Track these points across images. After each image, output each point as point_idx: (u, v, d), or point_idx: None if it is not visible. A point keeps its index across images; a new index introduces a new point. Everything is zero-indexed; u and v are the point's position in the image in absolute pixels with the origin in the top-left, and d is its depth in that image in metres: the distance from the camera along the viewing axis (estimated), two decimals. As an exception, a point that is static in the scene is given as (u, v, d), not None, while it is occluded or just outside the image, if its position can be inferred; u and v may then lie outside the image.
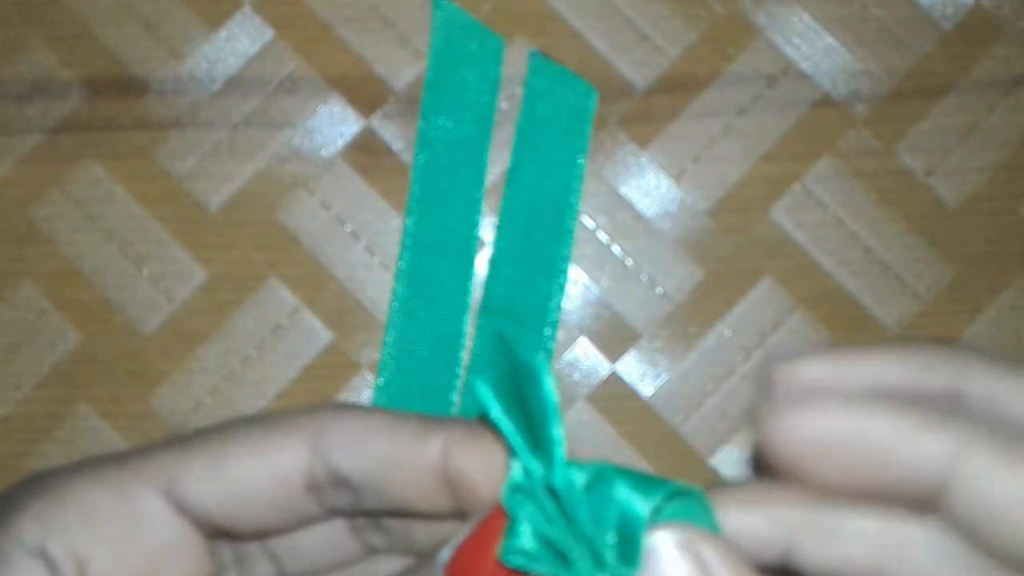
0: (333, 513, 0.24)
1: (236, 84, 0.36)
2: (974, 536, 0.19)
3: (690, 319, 0.35)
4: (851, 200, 0.36)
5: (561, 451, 0.19)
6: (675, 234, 0.36)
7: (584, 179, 0.36)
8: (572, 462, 0.20)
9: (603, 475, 0.20)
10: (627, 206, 0.36)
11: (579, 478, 0.20)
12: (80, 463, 0.22)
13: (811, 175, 0.36)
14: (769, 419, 0.20)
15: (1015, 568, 0.19)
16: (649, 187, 0.36)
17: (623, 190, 0.36)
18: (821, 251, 0.36)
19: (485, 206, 0.36)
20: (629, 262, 0.36)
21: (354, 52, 0.36)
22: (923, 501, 0.19)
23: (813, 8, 0.36)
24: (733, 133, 0.36)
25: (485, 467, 0.22)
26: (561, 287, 0.35)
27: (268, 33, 0.36)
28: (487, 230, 0.36)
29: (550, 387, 0.20)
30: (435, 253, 0.35)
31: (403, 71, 0.36)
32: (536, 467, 0.20)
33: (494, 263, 0.35)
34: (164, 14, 0.36)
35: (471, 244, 0.35)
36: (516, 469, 0.21)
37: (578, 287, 0.35)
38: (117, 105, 0.36)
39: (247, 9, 0.36)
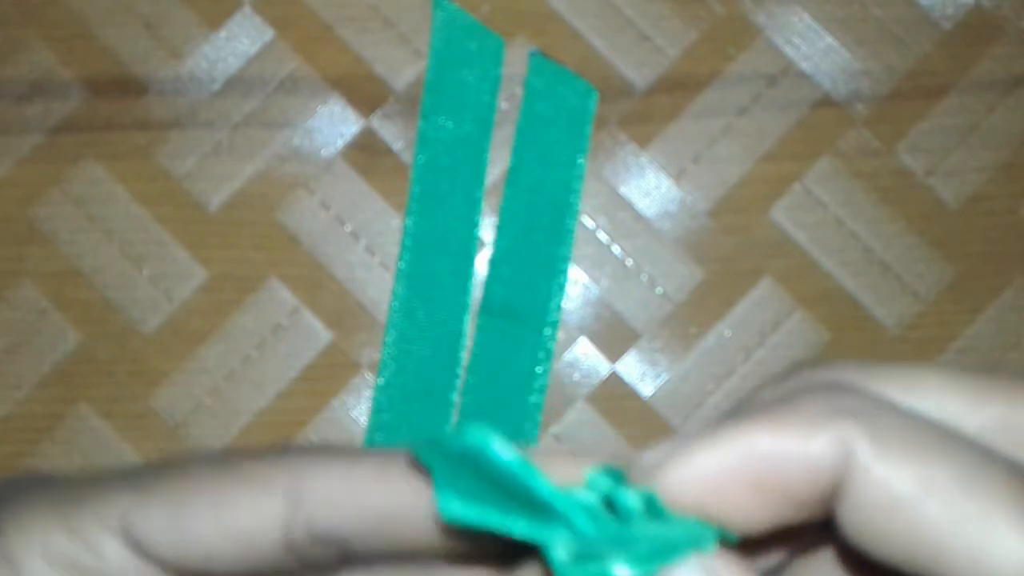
0: (314, 566, 0.22)
1: (236, 84, 0.36)
2: (863, 539, 0.18)
3: (690, 319, 0.35)
4: (851, 200, 0.36)
5: (564, 501, 0.18)
6: (675, 234, 0.36)
7: (584, 179, 0.36)
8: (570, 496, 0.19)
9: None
10: (627, 206, 0.36)
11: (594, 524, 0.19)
12: (40, 486, 0.21)
13: (811, 175, 0.36)
14: (653, 474, 0.19)
15: (910, 569, 0.18)
16: (649, 187, 0.36)
17: (623, 190, 0.36)
18: (821, 251, 0.36)
19: (485, 206, 0.36)
20: (629, 262, 0.36)
21: (354, 52, 0.36)
22: (825, 510, 0.18)
23: (813, 8, 0.36)
24: (733, 133, 0.36)
25: None
26: (561, 287, 0.35)
27: (268, 33, 0.36)
28: (487, 230, 0.36)
29: (500, 452, 0.19)
30: (435, 253, 0.35)
31: (403, 71, 0.36)
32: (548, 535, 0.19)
33: (494, 263, 0.35)
34: (164, 14, 0.36)
35: (471, 244, 0.35)
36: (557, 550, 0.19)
37: (578, 287, 0.35)
38: (117, 105, 0.36)
39: (247, 9, 0.36)
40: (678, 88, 0.36)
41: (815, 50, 0.36)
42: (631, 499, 0.19)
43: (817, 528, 0.20)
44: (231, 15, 0.36)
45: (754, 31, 0.36)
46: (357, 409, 0.35)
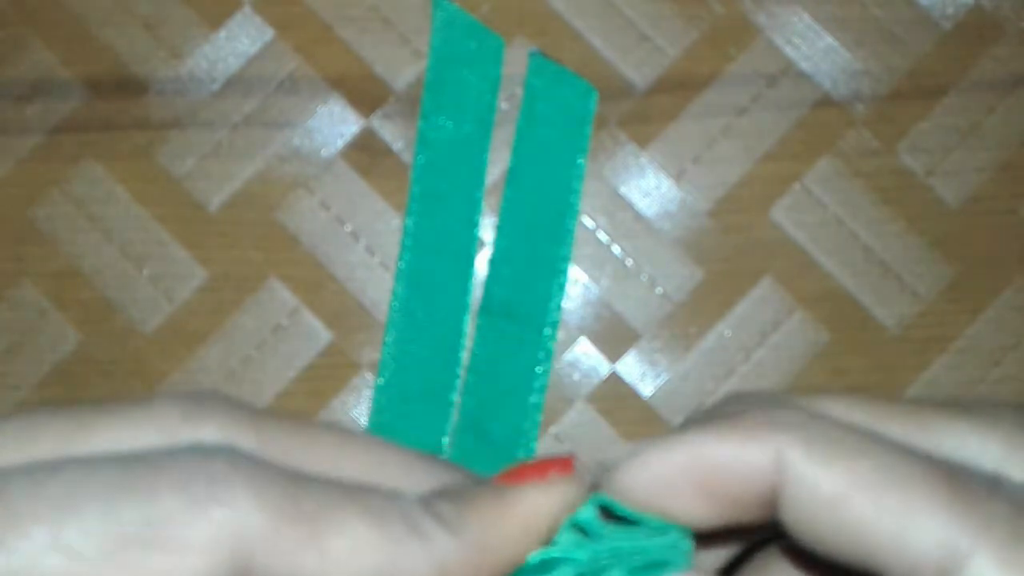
0: None
1: (236, 84, 0.36)
2: (806, 538, 0.20)
3: (690, 319, 0.35)
4: (851, 200, 0.36)
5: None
6: (675, 234, 0.36)
7: (584, 179, 0.36)
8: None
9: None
10: (627, 206, 0.36)
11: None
12: None
13: (811, 175, 0.36)
14: (610, 473, 0.21)
15: (852, 565, 0.20)
16: (649, 187, 0.36)
17: (623, 190, 0.36)
18: (821, 251, 0.36)
19: (485, 206, 0.36)
20: (629, 262, 0.36)
21: (354, 52, 0.36)
22: (768, 514, 0.20)
23: (813, 8, 0.36)
24: (733, 133, 0.36)
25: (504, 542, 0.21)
26: (561, 287, 0.35)
27: (268, 33, 0.36)
28: (487, 230, 0.36)
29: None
30: (435, 253, 0.35)
31: (403, 71, 0.36)
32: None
33: (494, 263, 0.35)
34: (164, 14, 0.36)
35: (471, 244, 0.35)
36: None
37: (578, 287, 0.35)
38: (117, 105, 0.36)
39: (247, 9, 0.36)
40: (678, 88, 0.36)
41: (815, 50, 0.36)
42: (587, 512, 0.21)
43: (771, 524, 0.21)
44: (231, 15, 0.36)
45: (754, 31, 0.36)
46: (357, 409, 0.35)
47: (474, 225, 0.35)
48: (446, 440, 0.34)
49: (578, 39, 0.36)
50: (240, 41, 0.36)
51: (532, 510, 0.21)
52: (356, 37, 0.36)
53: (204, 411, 0.21)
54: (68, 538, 0.18)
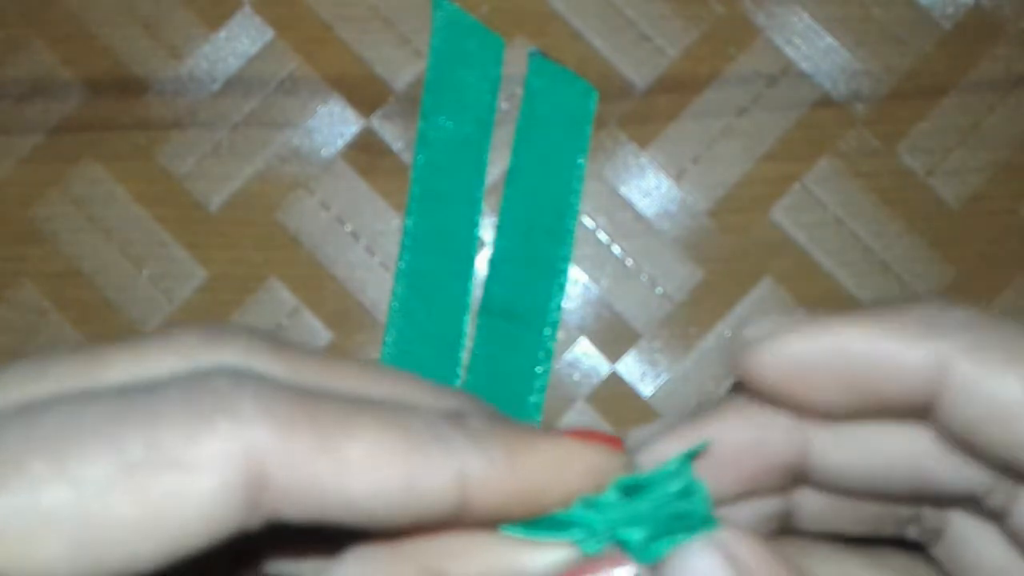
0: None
1: (236, 84, 0.36)
2: (966, 443, 0.19)
3: (690, 319, 0.35)
4: (851, 200, 0.36)
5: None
6: (675, 234, 0.36)
7: (584, 179, 0.36)
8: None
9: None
10: (627, 206, 0.36)
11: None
12: None
13: (811, 175, 0.36)
14: (746, 350, 0.20)
15: (1008, 470, 0.19)
16: (649, 187, 0.36)
17: (623, 190, 0.36)
18: (821, 251, 0.36)
19: (485, 206, 0.36)
20: (629, 262, 0.36)
21: (354, 52, 0.36)
22: (913, 414, 0.19)
23: (813, 8, 0.36)
24: (733, 133, 0.36)
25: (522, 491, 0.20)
26: (561, 287, 0.35)
27: (268, 33, 0.36)
28: (487, 230, 0.36)
29: None
30: (435, 253, 0.35)
31: (403, 71, 0.36)
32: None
33: (494, 263, 0.35)
34: (164, 14, 0.36)
35: (471, 244, 0.35)
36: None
37: (578, 287, 0.35)
38: (117, 105, 0.36)
39: (247, 9, 0.36)
40: (678, 88, 0.36)
41: (815, 50, 0.36)
42: (609, 495, 0.20)
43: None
44: (231, 15, 0.36)
45: (754, 31, 0.36)
46: (357, 409, 0.35)
47: (474, 225, 0.35)
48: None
49: (578, 39, 0.36)
50: (240, 41, 0.36)
51: (567, 458, 0.20)
52: (356, 37, 0.36)
53: (225, 337, 0.20)
54: (71, 469, 0.17)
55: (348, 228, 0.36)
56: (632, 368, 0.35)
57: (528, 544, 0.21)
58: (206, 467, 0.18)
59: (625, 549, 0.21)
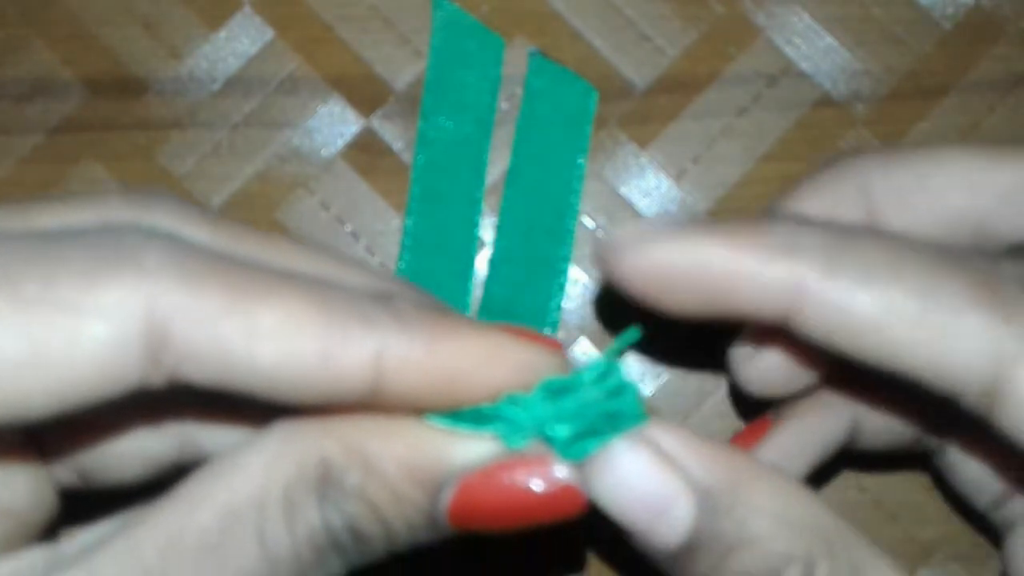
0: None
1: (236, 84, 0.36)
2: (826, 350, 0.20)
3: (690, 319, 0.35)
4: (851, 200, 0.36)
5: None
6: (675, 234, 0.36)
7: (584, 179, 0.36)
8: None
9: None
10: (627, 206, 0.36)
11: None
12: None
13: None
14: (612, 252, 0.21)
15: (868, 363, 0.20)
16: (649, 187, 0.36)
17: (623, 190, 0.36)
18: (821, 251, 0.36)
19: (485, 206, 0.36)
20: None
21: (354, 52, 0.36)
22: (774, 321, 0.20)
23: (813, 8, 0.36)
24: (733, 133, 0.36)
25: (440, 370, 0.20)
26: (561, 287, 0.35)
27: (268, 33, 0.36)
28: (487, 230, 0.36)
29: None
30: (435, 253, 0.35)
31: (403, 71, 0.36)
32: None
33: (494, 263, 0.35)
34: (164, 14, 0.36)
35: (471, 244, 0.35)
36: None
37: (578, 287, 0.35)
38: (117, 105, 0.36)
39: (247, 9, 0.36)
40: (678, 88, 0.36)
41: (815, 50, 0.36)
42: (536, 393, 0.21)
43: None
44: (231, 15, 0.36)
45: (754, 31, 0.36)
46: (357, 409, 0.35)
47: (474, 225, 0.35)
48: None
49: (578, 39, 0.36)
50: (240, 41, 0.36)
51: (495, 350, 0.20)
52: (356, 37, 0.36)
53: (151, 200, 0.20)
54: None
55: (348, 228, 0.36)
56: (632, 368, 0.35)
57: (453, 435, 0.21)
58: (102, 314, 0.17)
59: (551, 446, 0.21)
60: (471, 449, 0.21)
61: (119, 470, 0.23)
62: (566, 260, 0.35)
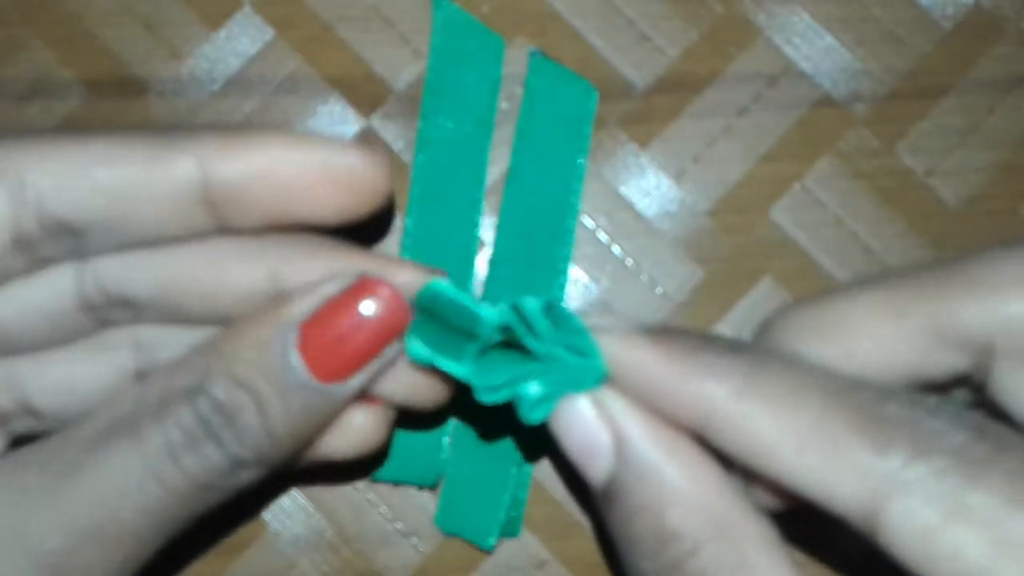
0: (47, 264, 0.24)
1: (236, 84, 0.36)
2: (733, 459, 0.23)
3: (690, 319, 0.35)
4: (851, 200, 0.36)
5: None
6: (675, 234, 0.36)
7: (584, 179, 0.36)
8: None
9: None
10: (627, 206, 0.36)
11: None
12: None
13: (811, 175, 0.36)
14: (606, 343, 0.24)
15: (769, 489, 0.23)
16: (649, 187, 0.36)
17: (623, 190, 0.36)
18: (821, 251, 0.36)
19: (485, 206, 0.36)
20: (629, 262, 0.36)
21: (354, 52, 0.36)
22: (693, 429, 0.23)
23: (813, 8, 0.36)
24: (733, 133, 0.36)
25: (256, 170, 0.24)
26: (561, 287, 0.35)
27: (268, 33, 0.36)
28: (487, 230, 0.36)
29: (441, 286, 0.26)
30: (435, 253, 0.35)
31: (403, 71, 0.36)
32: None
33: (494, 263, 0.35)
34: (164, 14, 0.36)
35: (471, 244, 0.35)
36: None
37: (578, 287, 0.35)
38: (117, 105, 0.36)
39: (247, 9, 0.36)
40: (678, 88, 0.36)
41: (815, 50, 0.36)
42: (534, 305, 0.24)
43: None
44: (231, 15, 0.36)
45: (754, 31, 0.36)
46: (357, 409, 0.35)
47: (474, 225, 0.35)
48: (447, 439, 0.34)
49: (578, 39, 0.36)
50: (240, 41, 0.36)
51: (304, 153, 0.24)
52: (356, 37, 0.36)
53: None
54: None
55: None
56: (632, 368, 0.35)
57: (385, 260, 0.26)
58: None
59: (520, 404, 0.24)
60: (304, 302, 0.24)
61: (73, 398, 0.26)
62: (566, 260, 0.35)
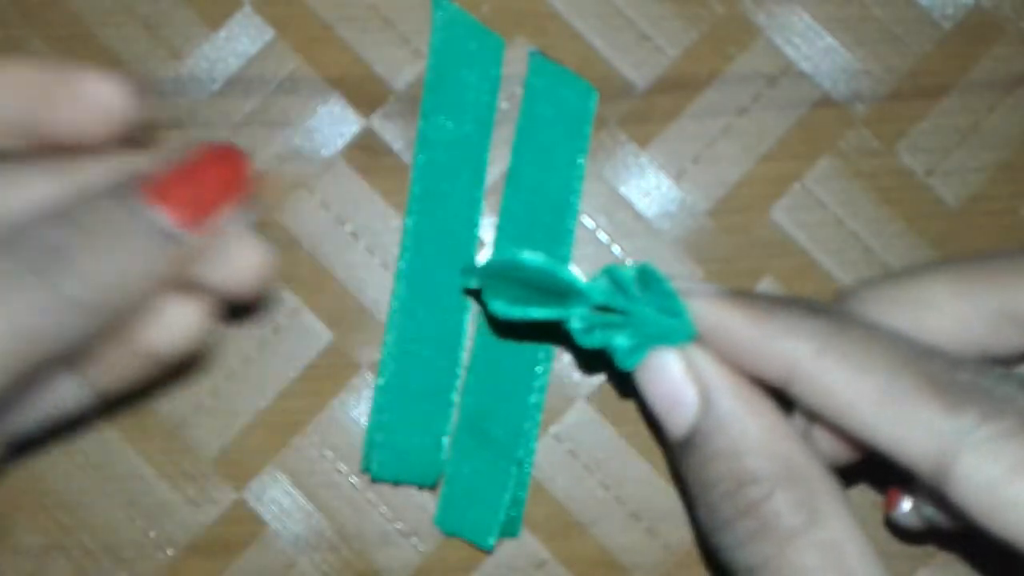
0: None
1: (236, 84, 0.36)
2: (815, 414, 0.25)
3: (690, 319, 0.35)
4: (851, 200, 0.36)
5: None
6: (675, 234, 0.36)
7: (584, 179, 0.36)
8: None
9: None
10: (627, 206, 0.36)
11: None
12: None
13: (811, 175, 0.36)
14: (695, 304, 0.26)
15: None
16: (649, 187, 0.36)
17: (623, 190, 0.36)
18: (821, 251, 0.36)
19: (485, 206, 0.36)
20: (629, 262, 0.36)
21: (354, 52, 0.36)
22: (776, 385, 0.25)
23: (813, 8, 0.36)
24: (733, 133, 0.36)
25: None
26: (561, 287, 0.35)
27: (268, 33, 0.36)
28: (487, 230, 0.36)
29: (531, 258, 0.27)
30: (435, 253, 0.35)
31: (403, 71, 0.36)
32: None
33: (494, 263, 0.35)
34: (164, 14, 0.36)
35: (471, 244, 0.35)
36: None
37: (578, 287, 0.35)
38: (117, 105, 0.36)
39: (247, 9, 0.36)
40: (678, 88, 0.36)
41: (815, 50, 0.36)
42: (628, 272, 0.26)
43: None
44: (231, 15, 0.36)
45: (754, 31, 0.36)
46: (357, 409, 0.35)
47: (474, 225, 0.35)
48: (446, 440, 0.34)
49: (578, 39, 0.36)
50: (240, 41, 0.36)
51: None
52: (356, 37, 0.36)
53: None
54: None
55: (348, 228, 0.36)
56: (632, 368, 0.35)
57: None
58: None
59: (615, 351, 0.26)
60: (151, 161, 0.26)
61: None
62: (566, 260, 0.35)
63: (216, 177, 0.25)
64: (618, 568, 0.35)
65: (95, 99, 0.27)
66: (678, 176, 0.36)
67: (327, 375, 0.35)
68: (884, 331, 0.25)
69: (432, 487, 0.35)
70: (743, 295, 0.26)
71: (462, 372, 0.35)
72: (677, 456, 0.26)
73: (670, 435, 0.26)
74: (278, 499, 0.35)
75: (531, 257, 0.27)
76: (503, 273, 0.28)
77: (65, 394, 0.27)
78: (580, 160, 0.35)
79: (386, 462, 0.34)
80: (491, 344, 0.35)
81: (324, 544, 0.35)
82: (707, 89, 0.36)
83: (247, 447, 0.35)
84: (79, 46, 0.36)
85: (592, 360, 0.35)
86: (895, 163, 0.36)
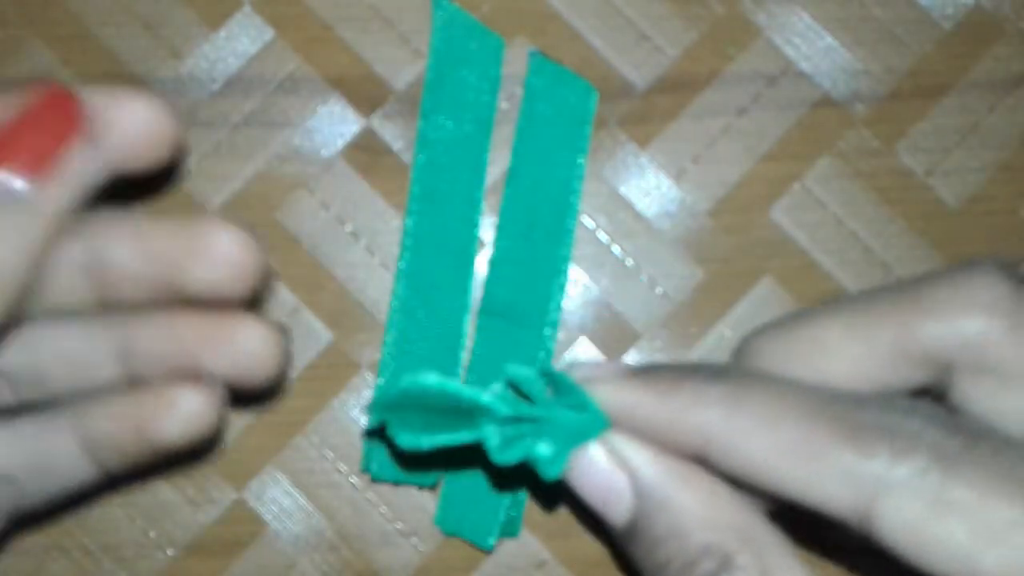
0: None
1: (236, 84, 0.36)
2: (735, 479, 0.25)
3: (690, 319, 0.35)
4: (851, 200, 0.36)
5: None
6: (675, 234, 0.36)
7: (584, 179, 0.36)
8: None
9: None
10: (627, 206, 0.36)
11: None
12: None
13: (811, 175, 0.36)
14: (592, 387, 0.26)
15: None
16: (649, 187, 0.36)
17: (623, 190, 0.36)
18: (821, 251, 0.36)
19: (485, 206, 0.36)
20: (629, 262, 0.36)
21: (354, 52, 0.36)
22: (695, 455, 0.25)
23: (813, 8, 0.36)
24: (733, 133, 0.36)
25: None
26: (561, 287, 0.35)
27: (268, 33, 0.36)
28: (487, 230, 0.36)
29: (429, 380, 0.26)
30: (435, 253, 0.35)
31: (403, 71, 0.36)
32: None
33: (494, 263, 0.35)
34: (164, 14, 0.36)
35: (471, 244, 0.35)
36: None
37: (578, 287, 0.35)
38: (117, 105, 0.36)
39: (247, 9, 0.36)
40: (678, 88, 0.36)
41: (815, 50, 0.36)
42: (526, 373, 0.26)
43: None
44: (231, 15, 0.36)
45: (754, 31, 0.36)
46: (357, 409, 0.35)
47: (474, 225, 0.35)
48: (446, 440, 0.34)
49: (578, 39, 0.36)
50: (240, 41, 0.36)
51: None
52: (356, 37, 0.36)
53: None
54: None
55: (348, 228, 0.36)
56: (632, 368, 0.35)
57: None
58: None
59: (535, 464, 0.26)
60: None
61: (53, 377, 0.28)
62: (566, 260, 0.35)
63: (49, 120, 0.25)
64: (618, 568, 0.35)
65: (226, 257, 0.27)
66: (678, 176, 0.36)
67: (327, 375, 0.35)
68: (787, 383, 0.24)
69: (432, 487, 0.35)
70: (645, 371, 0.25)
71: (462, 372, 0.35)
72: (625, 546, 0.26)
73: (613, 527, 0.26)
74: (278, 499, 0.35)
75: (426, 379, 0.26)
76: (403, 402, 0.27)
77: (71, 473, 0.28)
78: (580, 160, 0.35)
79: (386, 462, 0.34)
80: (491, 344, 0.35)
81: (324, 544, 0.35)
82: (707, 89, 0.36)
83: (247, 447, 0.35)
84: (79, 46, 0.36)
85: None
86: (895, 163, 0.36)
